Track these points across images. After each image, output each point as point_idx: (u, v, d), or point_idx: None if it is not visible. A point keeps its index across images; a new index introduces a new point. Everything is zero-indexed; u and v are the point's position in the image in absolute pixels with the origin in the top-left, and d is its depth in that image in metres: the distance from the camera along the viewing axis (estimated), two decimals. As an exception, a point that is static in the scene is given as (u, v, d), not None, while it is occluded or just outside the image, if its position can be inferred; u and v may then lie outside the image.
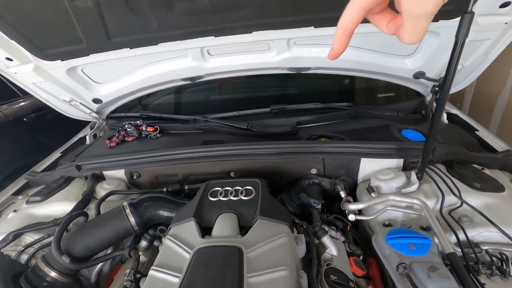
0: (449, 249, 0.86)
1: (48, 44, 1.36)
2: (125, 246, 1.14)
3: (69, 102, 1.72)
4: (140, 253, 1.12)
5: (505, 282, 0.83)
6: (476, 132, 1.50)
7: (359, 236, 1.17)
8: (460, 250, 0.90)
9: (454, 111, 1.70)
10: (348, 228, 1.17)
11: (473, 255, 0.89)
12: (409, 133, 1.47)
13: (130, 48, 1.39)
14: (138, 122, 1.76)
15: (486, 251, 0.89)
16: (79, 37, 1.32)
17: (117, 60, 1.50)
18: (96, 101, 1.78)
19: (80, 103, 1.75)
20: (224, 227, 1.01)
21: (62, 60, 1.44)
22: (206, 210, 1.08)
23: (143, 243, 1.15)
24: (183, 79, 1.69)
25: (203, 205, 1.11)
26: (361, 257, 1.07)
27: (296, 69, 1.60)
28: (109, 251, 1.16)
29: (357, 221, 1.15)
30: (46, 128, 2.97)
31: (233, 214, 1.05)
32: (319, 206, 1.31)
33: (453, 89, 1.54)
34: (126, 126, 1.73)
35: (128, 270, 1.01)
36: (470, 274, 0.81)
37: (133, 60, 1.53)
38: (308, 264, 0.97)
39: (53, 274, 1.00)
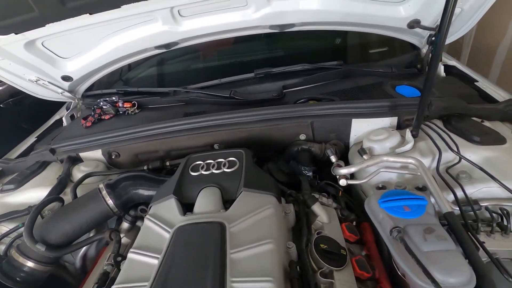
0: (446, 208, 0.80)
1: (-5, 15, 1.20)
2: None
3: (36, 81, 1.58)
4: (122, 235, 1.06)
5: (505, 238, 0.78)
6: (475, 83, 1.39)
7: (352, 201, 1.11)
8: (458, 209, 0.85)
9: (452, 62, 1.58)
10: (340, 194, 1.11)
11: (472, 213, 0.83)
12: (404, 89, 1.36)
13: (90, 13, 1.23)
14: (114, 98, 1.63)
15: (486, 208, 0.83)
16: (29, 5, 1.16)
17: (79, 30, 1.34)
18: (65, 78, 1.63)
19: (49, 82, 1.61)
20: (206, 203, 0.94)
21: (16, 34, 1.28)
22: (187, 185, 1.01)
23: (125, 225, 1.10)
24: (156, 47, 1.54)
25: (184, 180, 1.03)
26: (354, 223, 1.02)
27: (279, 27, 1.45)
28: (91, 234, 1.10)
29: (349, 186, 1.08)
30: (25, 113, 2.83)
31: (215, 188, 0.98)
32: (310, 174, 1.24)
33: (451, 38, 1.41)
34: (102, 103, 1.61)
35: (108, 254, 0.96)
36: (469, 233, 0.76)
37: (97, 29, 1.37)
38: (298, 234, 0.92)
39: (29, 263, 0.95)
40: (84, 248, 1.12)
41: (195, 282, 0.69)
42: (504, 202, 0.84)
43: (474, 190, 0.89)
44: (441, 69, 1.52)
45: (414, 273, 0.68)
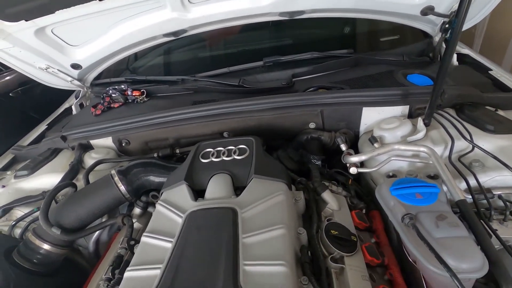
0: (458, 196, 0.79)
1: (5, 2, 1.20)
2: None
3: (46, 69, 1.59)
4: (134, 220, 1.08)
5: (518, 226, 0.77)
6: (489, 72, 1.36)
7: (361, 190, 1.11)
8: (470, 197, 0.84)
9: (466, 51, 1.54)
10: (350, 182, 1.11)
11: (485, 201, 0.83)
12: (416, 78, 1.34)
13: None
14: (123, 86, 1.64)
15: (499, 196, 0.83)
16: (39, -9, 1.16)
17: (88, 17, 1.33)
18: (75, 66, 1.64)
19: (58, 69, 1.62)
20: (217, 189, 0.95)
21: (26, 20, 1.28)
22: (198, 172, 1.02)
23: (137, 210, 1.11)
24: (165, 35, 1.53)
25: (195, 167, 1.04)
26: (363, 211, 1.02)
27: (288, 14, 1.43)
28: (104, 219, 1.12)
29: (359, 174, 1.08)
30: (34, 102, 2.86)
31: (226, 174, 0.99)
32: (319, 162, 1.24)
33: (467, 24, 1.37)
34: (111, 91, 1.62)
35: (122, 238, 0.98)
36: (481, 220, 0.76)
37: (106, 16, 1.37)
38: (308, 221, 0.93)
39: (46, 246, 0.97)
40: (97, 233, 1.15)
41: (208, 265, 0.71)
42: (518, 191, 0.84)
43: (487, 179, 0.88)
44: (454, 58, 1.49)
45: (426, 259, 0.68)
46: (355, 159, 1.00)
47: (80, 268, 1.13)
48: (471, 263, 0.64)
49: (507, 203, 0.82)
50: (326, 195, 0.97)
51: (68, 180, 1.16)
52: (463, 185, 0.88)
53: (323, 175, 1.14)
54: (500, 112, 1.09)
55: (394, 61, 1.46)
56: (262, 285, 0.65)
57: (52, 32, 1.43)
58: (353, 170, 1.02)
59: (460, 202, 0.78)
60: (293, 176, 1.05)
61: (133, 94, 1.61)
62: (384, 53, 1.53)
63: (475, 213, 0.78)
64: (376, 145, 1.02)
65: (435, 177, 0.93)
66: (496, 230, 0.75)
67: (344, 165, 1.08)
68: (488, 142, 0.97)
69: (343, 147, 1.11)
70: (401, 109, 1.18)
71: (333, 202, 0.96)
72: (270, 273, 0.67)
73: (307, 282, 0.70)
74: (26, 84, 2.90)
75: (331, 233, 0.83)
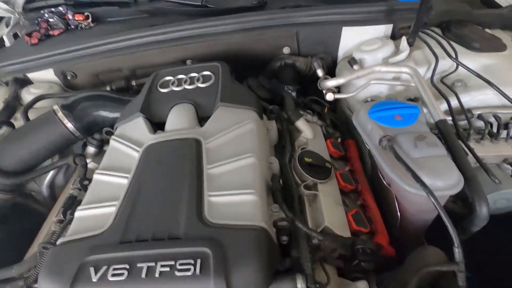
0: (438, 116, 0.74)
1: None
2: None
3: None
4: (89, 160, 0.96)
5: (495, 144, 0.75)
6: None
7: (337, 119, 1.05)
8: (451, 118, 0.80)
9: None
10: (326, 111, 1.04)
11: (465, 122, 0.79)
12: (401, -5, 1.20)
13: None
14: (61, 9, 1.36)
15: (480, 115, 0.79)
16: None
17: None
18: (-6, -18, 1.31)
19: (-27, -13, 1.29)
20: (178, 120, 0.84)
21: None
22: (156, 103, 0.89)
23: (91, 149, 0.99)
24: None
25: (152, 98, 0.91)
26: (339, 140, 0.97)
27: None
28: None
29: (335, 104, 1.01)
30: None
31: (189, 104, 0.87)
32: (294, 93, 1.15)
33: None
34: (46, 15, 1.34)
35: (75, 179, 0.87)
36: (460, 140, 0.72)
37: None
38: (281, 152, 0.86)
39: (-15, 191, 0.85)
40: (50, 175, 1.03)
41: (169, 199, 0.63)
42: (498, 110, 0.80)
43: (469, 98, 0.84)
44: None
45: (401, 179, 0.65)
46: (332, 82, 0.91)
47: (36, 214, 1.04)
48: (447, 180, 0.62)
49: (486, 122, 0.78)
50: (300, 124, 0.89)
51: (3, 119, 0.99)
52: (444, 107, 0.83)
53: (298, 104, 1.05)
54: (488, 31, 1.01)
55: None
56: (229, 215, 0.59)
57: None
58: (329, 96, 0.93)
59: (439, 122, 0.73)
60: (264, 105, 0.96)
61: (75, 18, 1.34)
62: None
63: (455, 134, 0.74)
64: (355, 67, 0.92)
65: (415, 99, 0.88)
66: (473, 149, 0.72)
67: (321, 94, 0.99)
68: (473, 60, 0.90)
69: (320, 72, 1.00)
70: (384, 29, 1.06)
71: (307, 130, 0.89)
72: (238, 202, 0.61)
73: (278, 210, 0.66)
74: None
75: (305, 160, 0.78)
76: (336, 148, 0.91)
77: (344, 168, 0.90)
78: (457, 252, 0.54)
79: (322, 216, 0.69)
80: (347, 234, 0.68)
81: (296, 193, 0.72)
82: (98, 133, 0.99)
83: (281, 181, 0.73)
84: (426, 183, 0.59)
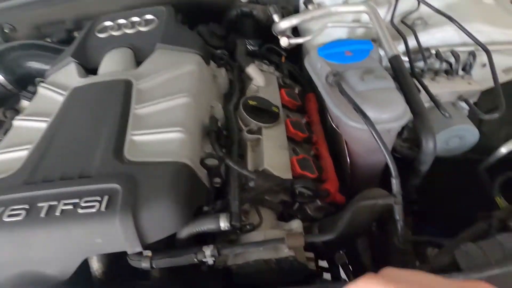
0: (392, 52, 0.68)
1: None
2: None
3: None
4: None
5: (450, 81, 0.70)
6: None
7: (296, 70, 0.98)
8: (407, 59, 0.74)
9: None
10: (283, 60, 0.97)
11: (422, 62, 0.73)
12: None
13: None
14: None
15: (437, 52, 0.73)
16: None
17: None
18: None
19: None
20: (113, 64, 0.76)
21: None
22: (92, 48, 0.81)
23: (24, 103, 0.90)
24: None
25: (88, 43, 0.83)
26: (297, 91, 0.91)
27: None
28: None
29: (300, 57, 0.93)
30: None
31: (126, 48, 0.79)
32: (256, 48, 1.07)
33: None
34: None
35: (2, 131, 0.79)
36: (413, 77, 0.67)
37: None
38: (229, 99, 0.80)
39: None
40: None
41: (87, 139, 0.57)
42: (457, 47, 0.75)
43: (429, 37, 0.78)
44: None
45: (345, 115, 0.59)
46: (285, 24, 0.83)
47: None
48: (391, 113, 0.57)
49: (443, 60, 0.73)
50: (251, 70, 0.82)
51: None
52: (402, 47, 0.77)
53: (254, 55, 0.98)
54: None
55: None
56: (151, 153, 0.53)
57: None
58: (284, 41, 0.86)
59: (392, 57, 0.67)
60: (212, 51, 0.88)
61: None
62: None
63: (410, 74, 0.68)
64: (310, 7, 0.84)
65: (374, 41, 0.81)
66: (427, 86, 0.67)
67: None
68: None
69: (276, 17, 0.92)
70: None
71: (258, 77, 0.82)
72: (162, 140, 0.55)
73: (211, 151, 0.60)
74: None
75: (249, 103, 0.71)
76: (291, 97, 0.84)
77: (301, 120, 0.84)
78: (395, 183, 0.49)
79: (262, 158, 0.63)
80: (288, 177, 0.62)
81: (236, 137, 0.66)
82: (33, 86, 0.90)
83: (220, 123, 0.67)
84: (369, 116, 0.54)
